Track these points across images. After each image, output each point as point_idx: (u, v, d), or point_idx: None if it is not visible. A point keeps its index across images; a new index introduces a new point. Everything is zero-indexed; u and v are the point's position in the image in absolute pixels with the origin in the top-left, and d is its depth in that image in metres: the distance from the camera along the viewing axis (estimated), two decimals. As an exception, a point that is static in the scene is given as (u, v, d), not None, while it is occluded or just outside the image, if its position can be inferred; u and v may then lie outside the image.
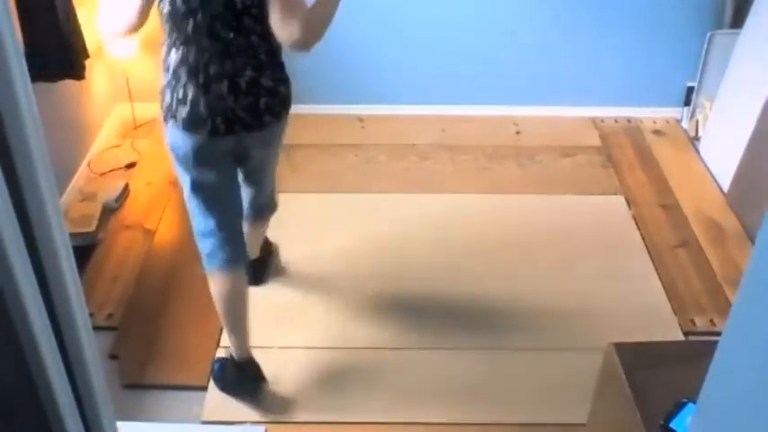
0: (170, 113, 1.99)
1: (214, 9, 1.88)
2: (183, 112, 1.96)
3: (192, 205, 2.14)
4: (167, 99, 1.99)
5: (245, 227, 2.34)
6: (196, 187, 2.10)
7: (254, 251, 2.65)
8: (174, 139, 2.03)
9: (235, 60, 1.95)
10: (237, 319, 2.27)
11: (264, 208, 2.50)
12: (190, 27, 1.89)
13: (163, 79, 2.01)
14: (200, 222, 2.15)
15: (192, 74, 1.94)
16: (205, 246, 2.17)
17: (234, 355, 2.32)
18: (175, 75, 1.96)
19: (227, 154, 2.10)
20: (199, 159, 2.04)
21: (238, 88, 1.97)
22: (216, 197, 2.14)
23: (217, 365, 2.41)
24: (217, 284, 2.22)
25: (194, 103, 1.95)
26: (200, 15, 1.88)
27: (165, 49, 1.98)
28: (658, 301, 2.73)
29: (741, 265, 2.86)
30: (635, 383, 1.62)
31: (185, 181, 2.12)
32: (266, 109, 2.04)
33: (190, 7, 1.86)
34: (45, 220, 0.73)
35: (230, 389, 2.35)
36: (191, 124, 1.97)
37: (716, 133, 3.47)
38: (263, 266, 2.78)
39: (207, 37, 1.91)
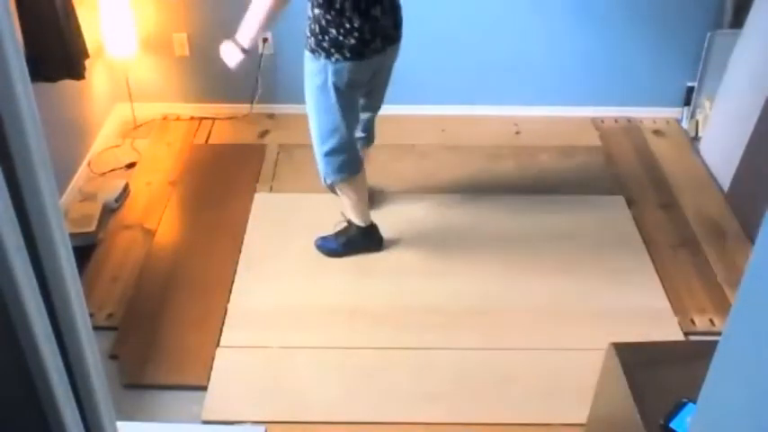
0: (335, 47, 2.33)
1: None
2: (351, 40, 2.33)
3: (335, 126, 2.51)
4: (333, 34, 2.32)
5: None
6: (346, 109, 2.48)
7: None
8: (335, 70, 2.37)
9: None
10: (366, 195, 2.83)
11: (373, 127, 2.89)
12: None
13: (320, 21, 2.32)
14: (341, 140, 2.54)
15: (356, 4, 2.30)
16: (341, 159, 2.60)
17: (361, 223, 2.84)
18: (341, 10, 2.29)
19: (372, 73, 2.51)
20: (356, 83, 2.45)
21: (385, 8, 2.39)
22: (356, 116, 2.63)
23: (338, 240, 2.90)
24: (356, 184, 2.72)
25: (361, 31, 2.32)
26: None
27: None
28: (658, 301, 2.73)
29: (741, 265, 2.86)
30: (635, 383, 1.62)
31: (333, 107, 2.46)
32: (400, 23, 2.50)
33: None
34: (45, 220, 0.73)
35: (356, 247, 2.89)
36: (358, 51, 2.36)
37: (716, 133, 3.46)
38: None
39: None
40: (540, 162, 3.53)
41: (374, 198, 3.09)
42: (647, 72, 3.73)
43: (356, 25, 2.31)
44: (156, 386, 2.40)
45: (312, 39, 2.37)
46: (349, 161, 2.63)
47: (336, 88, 2.42)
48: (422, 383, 2.41)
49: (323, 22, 2.32)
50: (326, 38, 2.33)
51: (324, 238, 2.93)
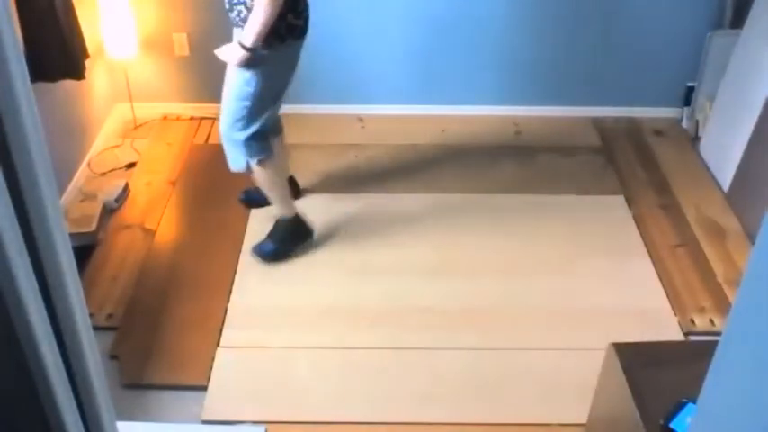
0: (287, 31, 2.44)
1: None
2: (300, 23, 2.49)
3: (260, 110, 2.57)
4: (290, 19, 2.42)
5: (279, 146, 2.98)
6: (276, 92, 2.61)
7: (287, 167, 3.13)
8: (282, 53, 2.48)
9: None
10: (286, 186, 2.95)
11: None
12: None
13: (267, 7, 2.28)
14: (261, 124, 2.62)
15: None
16: (260, 141, 2.66)
17: (288, 216, 2.88)
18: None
19: None
20: (294, 64, 2.60)
21: None
22: (279, 99, 2.68)
23: (268, 245, 2.91)
24: (272, 167, 2.75)
25: (306, 17, 2.52)
26: None
27: None
28: (658, 301, 2.74)
29: (741, 265, 2.86)
30: (635, 383, 1.62)
31: (266, 88, 2.53)
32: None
33: None
34: (45, 220, 0.73)
35: (290, 243, 2.91)
36: (302, 32, 2.52)
37: (716, 133, 3.46)
38: (295, 184, 3.21)
39: None
40: (540, 162, 3.53)
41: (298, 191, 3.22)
42: (647, 72, 3.73)
43: (302, 11, 2.50)
44: (156, 386, 2.39)
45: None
46: (268, 144, 2.73)
47: (274, 69, 2.55)
48: (422, 383, 2.41)
49: (271, 11, 2.35)
50: (279, 23, 2.38)
51: (259, 245, 2.93)
